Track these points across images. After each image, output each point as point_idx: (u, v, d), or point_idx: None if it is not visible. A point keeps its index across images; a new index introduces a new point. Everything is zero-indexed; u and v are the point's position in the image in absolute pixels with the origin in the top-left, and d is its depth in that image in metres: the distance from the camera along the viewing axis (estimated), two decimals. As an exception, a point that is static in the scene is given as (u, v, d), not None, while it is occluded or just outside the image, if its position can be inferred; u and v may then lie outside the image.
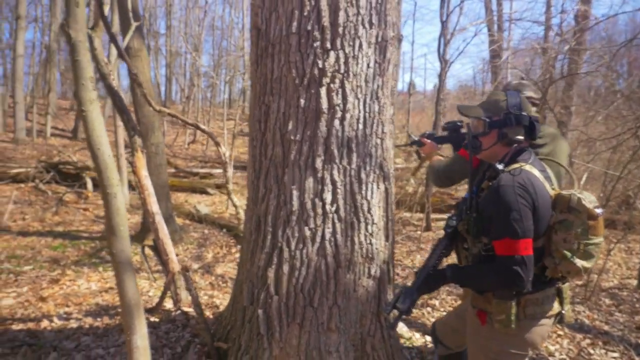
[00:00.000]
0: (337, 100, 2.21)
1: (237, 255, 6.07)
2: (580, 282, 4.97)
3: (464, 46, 33.98)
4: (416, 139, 2.75)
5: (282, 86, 2.26)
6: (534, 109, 2.35)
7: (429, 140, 2.74)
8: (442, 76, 7.64)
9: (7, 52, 18.03)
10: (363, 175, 2.30)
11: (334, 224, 2.23)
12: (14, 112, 14.15)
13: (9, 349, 3.27)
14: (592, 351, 3.49)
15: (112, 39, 3.01)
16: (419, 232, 7.51)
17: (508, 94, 1.76)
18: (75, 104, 19.21)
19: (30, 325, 3.77)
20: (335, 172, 2.23)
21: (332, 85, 2.21)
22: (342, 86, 2.22)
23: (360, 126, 2.28)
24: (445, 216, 9.44)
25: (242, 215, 4.96)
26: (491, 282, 1.68)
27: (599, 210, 1.67)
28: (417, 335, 3.46)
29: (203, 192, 10.52)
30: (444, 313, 4.07)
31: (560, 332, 3.78)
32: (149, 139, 6.15)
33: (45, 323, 3.78)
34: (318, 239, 2.22)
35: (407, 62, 34.64)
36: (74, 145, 14.91)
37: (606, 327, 3.97)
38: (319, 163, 2.21)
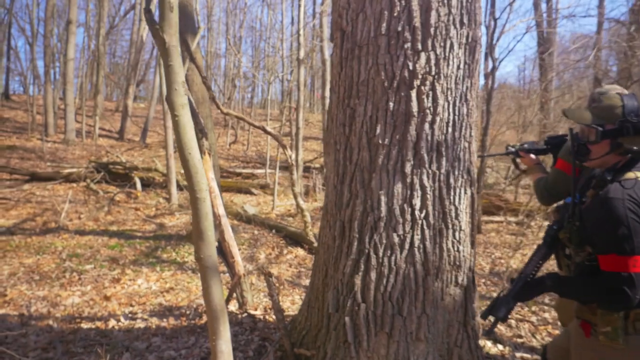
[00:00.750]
0: (428, 103, 2.15)
1: (289, 256, 6.08)
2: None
3: (515, 44, 33.05)
4: (514, 150, 2.64)
5: (369, 89, 2.22)
6: None
7: (528, 155, 2.64)
8: (492, 75, 7.43)
9: (56, 56, 18.74)
10: (452, 180, 2.22)
11: (422, 230, 2.16)
12: (65, 114, 14.70)
13: (82, 347, 3.36)
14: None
15: (185, 43, 3.03)
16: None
17: (624, 97, 1.63)
18: (121, 105, 19.82)
19: (99, 324, 3.87)
20: (424, 177, 2.16)
21: (422, 88, 2.14)
22: (433, 88, 2.15)
23: (450, 129, 2.20)
24: (495, 218, 9.21)
25: (308, 218, 4.94)
26: (594, 297, 1.57)
27: None
28: (489, 343, 3.35)
29: (247, 192, 10.62)
30: (512, 321, 3.93)
31: None
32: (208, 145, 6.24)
33: (112, 322, 3.87)
34: (407, 246, 2.16)
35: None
36: (120, 146, 15.38)
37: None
38: (408, 168, 2.15)
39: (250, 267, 5.50)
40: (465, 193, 2.30)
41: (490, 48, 7.61)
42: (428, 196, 2.17)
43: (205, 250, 2.19)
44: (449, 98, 2.20)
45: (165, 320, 3.84)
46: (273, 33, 20.96)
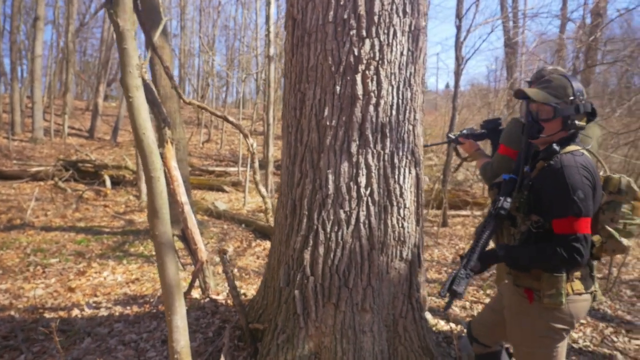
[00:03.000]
0: (372, 86, 2.28)
1: (258, 249, 6.16)
2: (599, 275, 4.98)
3: (480, 43, 33.79)
4: (454, 137, 2.79)
5: (318, 74, 2.33)
6: None
7: (468, 140, 2.77)
8: (458, 74, 7.67)
9: (23, 53, 18.32)
10: (396, 160, 2.36)
11: (368, 207, 2.29)
12: (32, 112, 14.40)
13: (43, 335, 3.37)
14: (615, 339, 3.52)
15: (145, 32, 3.09)
16: (435, 228, 7.54)
17: (570, 79, 1.78)
18: (91, 104, 19.48)
19: (62, 313, 3.88)
20: (369, 156, 2.29)
21: (367, 72, 2.27)
22: (377, 73, 2.28)
23: (394, 112, 2.34)
24: (462, 212, 9.46)
25: (269, 204, 5.03)
26: (548, 258, 1.69)
27: None
28: (442, 322, 3.50)
29: (219, 189, 10.63)
30: (467, 302, 4.11)
31: (583, 321, 3.80)
32: (172, 134, 6.26)
33: (76, 312, 3.89)
34: (353, 222, 2.28)
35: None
36: (90, 145, 15.14)
37: (629, 317, 3.99)
38: (354, 148, 2.28)
39: (218, 259, 5.56)
40: (409, 173, 2.44)
41: (457, 47, 7.85)
42: (373, 175, 2.30)
43: (160, 227, 2.26)
44: (393, 82, 2.33)
45: (129, 308, 3.88)
46: (247, 32, 20.94)
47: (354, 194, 2.28)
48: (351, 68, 2.27)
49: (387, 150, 2.33)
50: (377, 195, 2.31)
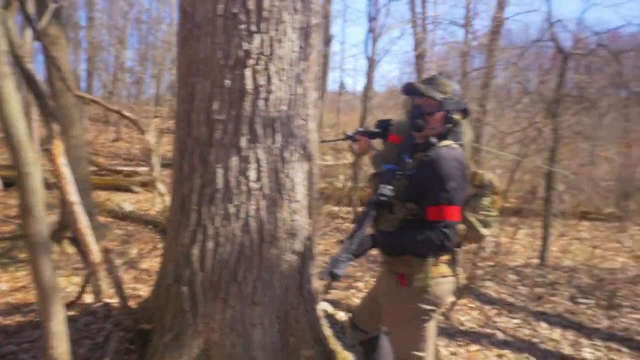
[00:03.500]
0: (262, 81, 2.30)
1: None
2: (489, 263, 5.42)
3: (390, 46, 35.65)
4: (350, 134, 2.88)
5: (207, 67, 2.31)
6: None
7: (363, 137, 2.89)
8: (369, 74, 7.95)
9: None
10: (287, 155, 2.40)
11: (258, 201, 2.31)
12: None
13: None
14: (497, 319, 3.85)
15: (27, 19, 2.86)
16: (346, 224, 7.76)
17: (450, 81, 1.94)
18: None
19: None
20: (259, 151, 2.31)
21: (257, 67, 2.28)
22: (267, 68, 2.30)
23: (284, 107, 2.38)
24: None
25: (167, 202, 4.86)
26: (421, 244, 1.80)
27: (501, 188, 1.96)
28: (341, 313, 3.62)
29: (127, 190, 10.10)
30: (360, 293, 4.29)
31: (471, 305, 4.12)
32: (69, 131, 5.82)
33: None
34: (242, 216, 2.28)
35: (337, 62, 35.34)
36: (-22, 142, 13.67)
37: (511, 299, 4.39)
38: (243, 142, 2.28)
39: (119, 262, 5.28)
40: (301, 167, 2.49)
41: (366, 49, 8.13)
42: (263, 169, 2.32)
43: (35, 225, 2.12)
44: (284, 78, 2.37)
45: (10, 317, 3.57)
46: (162, 26, 20.10)
47: (244, 188, 2.29)
48: (241, 62, 2.27)
49: (277, 145, 2.36)
50: (268, 189, 2.33)
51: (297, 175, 2.46)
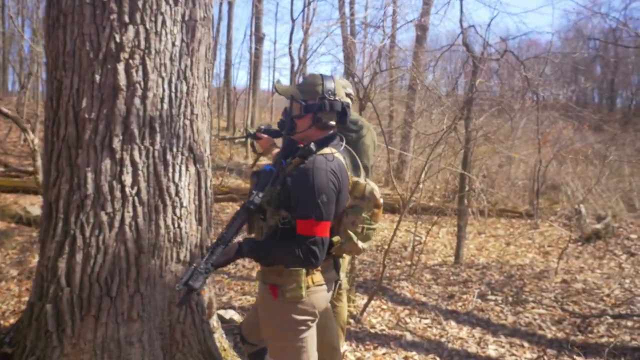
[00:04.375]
0: (138, 77, 2.11)
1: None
2: (409, 262, 5.49)
3: (317, 46, 36.08)
4: (252, 132, 2.74)
5: (75, 60, 2.09)
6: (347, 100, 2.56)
7: (265, 135, 2.77)
8: (292, 73, 7.86)
9: None
10: (169, 157, 2.23)
11: (135, 207, 2.12)
12: None
13: None
14: (408, 320, 3.87)
15: None
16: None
17: (324, 78, 1.81)
18: None
19: None
20: (135, 152, 2.12)
21: (131, 62, 2.09)
22: (143, 63, 2.12)
23: (165, 106, 2.20)
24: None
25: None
26: (288, 257, 1.71)
27: (382, 200, 1.88)
28: (225, 315, 3.48)
29: (37, 192, 9.35)
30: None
31: (384, 307, 4.13)
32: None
33: None
34: (117, 224, 2.09)
35: (270, 62, 35.24)
36: None
37: (424, 299, 4.44)
38: (117, 143, 2.08)
39: (15, 272, 4.83)
40: (187, 170, 2.32)
41: (290, 48, 8.04)
42: (140, 172, 2.13)
43: None
44: (164, 74, 2.19)
45: None
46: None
47: (118, 193, 2.09)
48: (112, 56, 2.07)
49: (157, 147, 2.18)
50: (146, 194, 2.15)
51: (182, 178, 2.29)
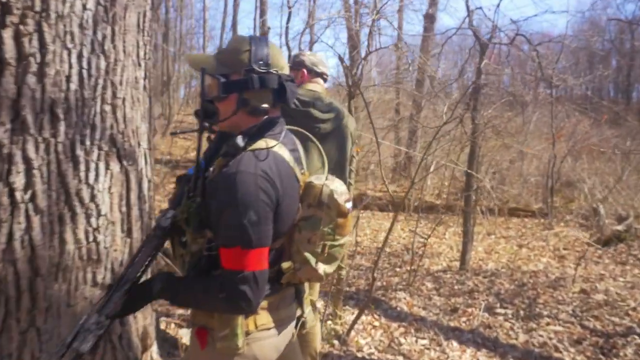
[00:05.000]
0: (31, 48, 1.62)
1: None
2: (408, 267, 4.96)
3: (319, 35, 35.69)
4: (207, 125, 2.27)
5: (-49, 26, 1.60)
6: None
7: None
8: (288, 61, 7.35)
9: None
10: (80, 152, 1.74)
11: (28, 217, 1.63)
12: None
13: None
14: (403, 340, 3.36)
15: None
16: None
17: (254, 41, 1.29)
18: None
19: None
20: (29, 146, 1.63)
21: (22, 28, 1.60)
22: (39, 30, 1.63)
23: (73, 86, 1.71)
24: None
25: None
26: (210, 301, 1.22)
27: (349, 206, 1.36)
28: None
29: None
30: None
31: (376, 323, 3.62)
32: None
33: None
34: (2, 239, 1.60)
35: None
36: None
37: (423, 313, 3.93)
38: (2, 134, 1.60)
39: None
40: (107, 169, 1.84)
41: (286, 37, 7.52)
42: (36, 172, 1.64)
43: None
44: (70, 45, 1.70)
45: None
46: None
47: (5, 199, 1.60)
48: (-4, 20, 1.59)
49: (61, 139, 1.69)
50: (45, 200, 1.66)
51: (100, 179, 1.81)
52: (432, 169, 7.70)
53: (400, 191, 9.66)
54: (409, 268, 5.11)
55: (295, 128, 1.63)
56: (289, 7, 7.67)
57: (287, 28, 7.52)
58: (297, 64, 2.39)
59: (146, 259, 1.29)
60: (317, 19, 9.34)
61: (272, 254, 1.31)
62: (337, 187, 1.35)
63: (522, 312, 3.95)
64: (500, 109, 6.26)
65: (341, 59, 3.62)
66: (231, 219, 1.18)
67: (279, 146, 1.30)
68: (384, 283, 4.63)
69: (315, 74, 2.36)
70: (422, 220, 7.48)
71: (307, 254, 1.32)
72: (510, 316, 3.89)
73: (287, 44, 7.58)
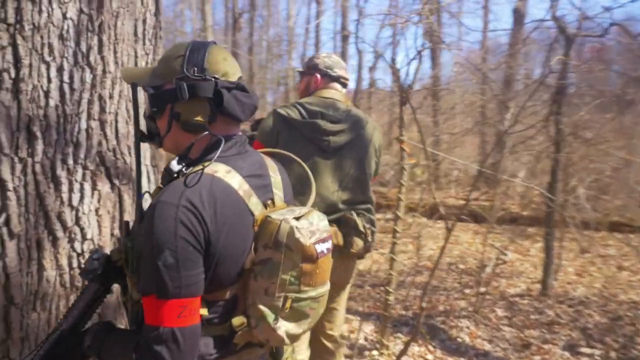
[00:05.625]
0: (5, 63, 1.53)
1: None
2: (483, 289, 4.42)
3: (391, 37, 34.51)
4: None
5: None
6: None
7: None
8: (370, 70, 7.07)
9: None
10: (61, 172, 1.62)
11: (2, 242, 1.54)
12: None
13: None
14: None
15: None
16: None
17: (190, 46, 1.08)
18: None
19: None
20: (4, 167, 1.54)
21: (-4, 42, 1.52)
22: (14, 43, 1.54)
23: (52, 102, 1.60)
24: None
25: None
26: None
27: (321, 248, 1.07)
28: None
29: None
30: None
31: (429, 357, 3.21)
32: None
33: None
34: (-24, 265, 1.53)
35: (357, 61, 34.69)
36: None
37: (488, 346, 3.43)
38: (-25, 154, 1.52)
39: None
40: (94, 189, 1.71)
41: (351, 36, 7.26)
42: (11, 194, 1.55)
43: None
44: (48, 58, 1.59)
45: None
46: None
47: (-22, 223, 1.53)
48: (-30, 34, 1.52)
49: (38, 158, 1.58)
50: (23, 225, 1.56)
51: (86, 201, 1.68)
52: (519, 176, 6.94)
53: (488, 197, 8.89)
54: (482, 289, 4.56)
55: (281, 151, 1.39)
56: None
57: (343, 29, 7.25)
58: (309, 68, 2.11)
59: (83, 307, 1.12)
60: (395, 18, 8.90)
61: (221, 306, 1.06)
62: (303, 224, 1.05)
63: (614, 354, 3.29)
64: (594, 111, 5.45)
65: (393, 61, 3.27)
66: (146, 261, 0.96)
67: (224, 169, 1.04)
68: (448, 307, 4.16)
69: (330, 78, 2.07)
70: (505, 232, 6.79)
71: (263, 308, 1.04)
72: (598, 358, 3.25)
73: (357, 47, 7.34)
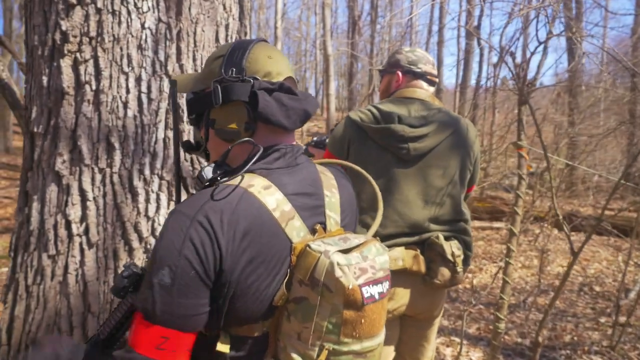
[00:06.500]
0: (87, 76, 1.57)
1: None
2: (622, 318, 3.72)
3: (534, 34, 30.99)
4: (304, 147, 2.09)
5: (33, 60, 1.67)
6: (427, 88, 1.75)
7: (316, 149, 2.30)
8: (495, 66, 6.47)
9: None
10: (138, 183, 1.62)
11: (82, 250, 1.58)
12: None
13: None
14: None
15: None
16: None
17: (233, 46, 0.96)
18: None
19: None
20: (85, 177, 1.58)
21: (79, 56, 1.56)
22: (96, 56, 1.56)
23: (130, 112, 1.60)
24: (495, 224, 8.14)
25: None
26: None
27: (371, 290, 0.87)
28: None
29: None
30: None
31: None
32: None
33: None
34: (59, 272, 1.58)
35: (486, 57, 32.40)
36: None
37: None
38: (61, 164, 1.58)
39: None
40: (171, 199, 1.69)
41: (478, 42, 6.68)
42: (90, 204, 1.58)
43: None
44: (127, 69, 1.60)
45: None
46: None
47: (62, 231, 1.58)
48: (58, 50, 1.57)
49: (116, 169, 1.60)
50: (101, 234, 1.59)
51: (160, 212, 1.66)
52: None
53: (630, 211, 7.63)
54: (620, 320, 3.84)
55: (344, 162, 1.20)
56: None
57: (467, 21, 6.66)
58: (390, 65, 1.82)
59: (119, 318, 1.06)
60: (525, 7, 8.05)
61: (248, 344, 0.91)
62: (350, 259, 0.86)
63: None
64: None
65: (512, 55, 2.85)
66: (147, 273, 0.85)
67: (262, 186, 0.89)
68: (576, 338, 3.55)
69: (414, 75, 1.77)
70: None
71: (295, 355, 0.86)
72: None
73: (489, 44, 6.78)
